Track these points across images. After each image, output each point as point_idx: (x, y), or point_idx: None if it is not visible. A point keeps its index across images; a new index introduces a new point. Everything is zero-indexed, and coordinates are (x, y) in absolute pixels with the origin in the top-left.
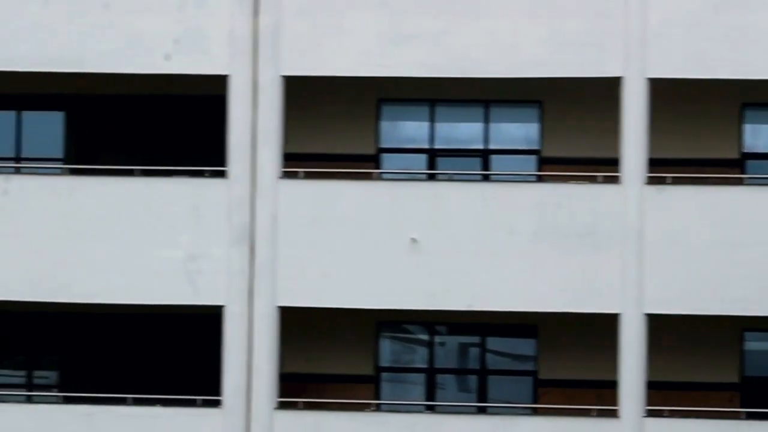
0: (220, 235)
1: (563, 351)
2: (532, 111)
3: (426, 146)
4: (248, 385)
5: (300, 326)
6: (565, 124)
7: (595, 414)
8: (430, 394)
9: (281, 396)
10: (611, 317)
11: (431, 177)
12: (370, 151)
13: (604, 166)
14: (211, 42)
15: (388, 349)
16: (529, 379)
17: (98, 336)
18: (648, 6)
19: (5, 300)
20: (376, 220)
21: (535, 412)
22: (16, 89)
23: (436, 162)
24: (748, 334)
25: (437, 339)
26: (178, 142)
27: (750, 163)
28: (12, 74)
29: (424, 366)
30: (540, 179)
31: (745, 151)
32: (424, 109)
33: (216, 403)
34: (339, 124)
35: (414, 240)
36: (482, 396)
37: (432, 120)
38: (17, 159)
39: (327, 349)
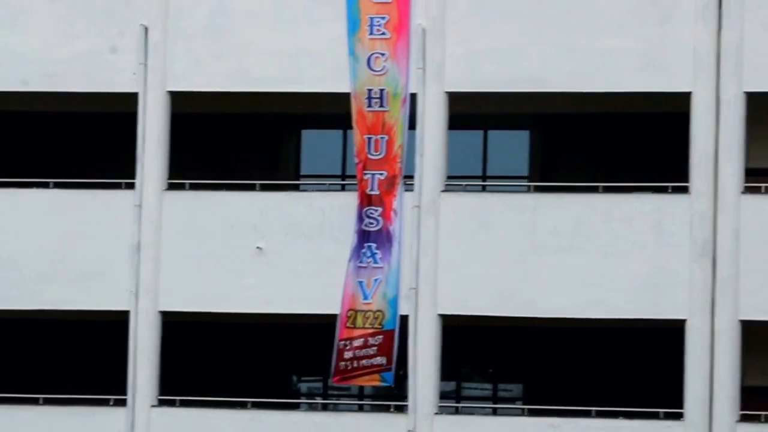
0: (681, 249)
1: None
2: None
3: None
4: (710, 398)
5: (761, 339)
6: None
7: None
8: None
9: (742, 409)
10: None
11: None
12: None
13: None
14: (674, 59)
15: None
16: None
17: (560, 349)
18: None
19: (474, 315)
20: None
21: None
22: (483, 109)
23: None
24: None
25: None
26: (639, 159)
27: None
28: (479, 95)
29: None
30: None
31: None
32: None
33: (678, 416)
34: None
35: None
36: None
37: None
38: (484, 177)
39: None
